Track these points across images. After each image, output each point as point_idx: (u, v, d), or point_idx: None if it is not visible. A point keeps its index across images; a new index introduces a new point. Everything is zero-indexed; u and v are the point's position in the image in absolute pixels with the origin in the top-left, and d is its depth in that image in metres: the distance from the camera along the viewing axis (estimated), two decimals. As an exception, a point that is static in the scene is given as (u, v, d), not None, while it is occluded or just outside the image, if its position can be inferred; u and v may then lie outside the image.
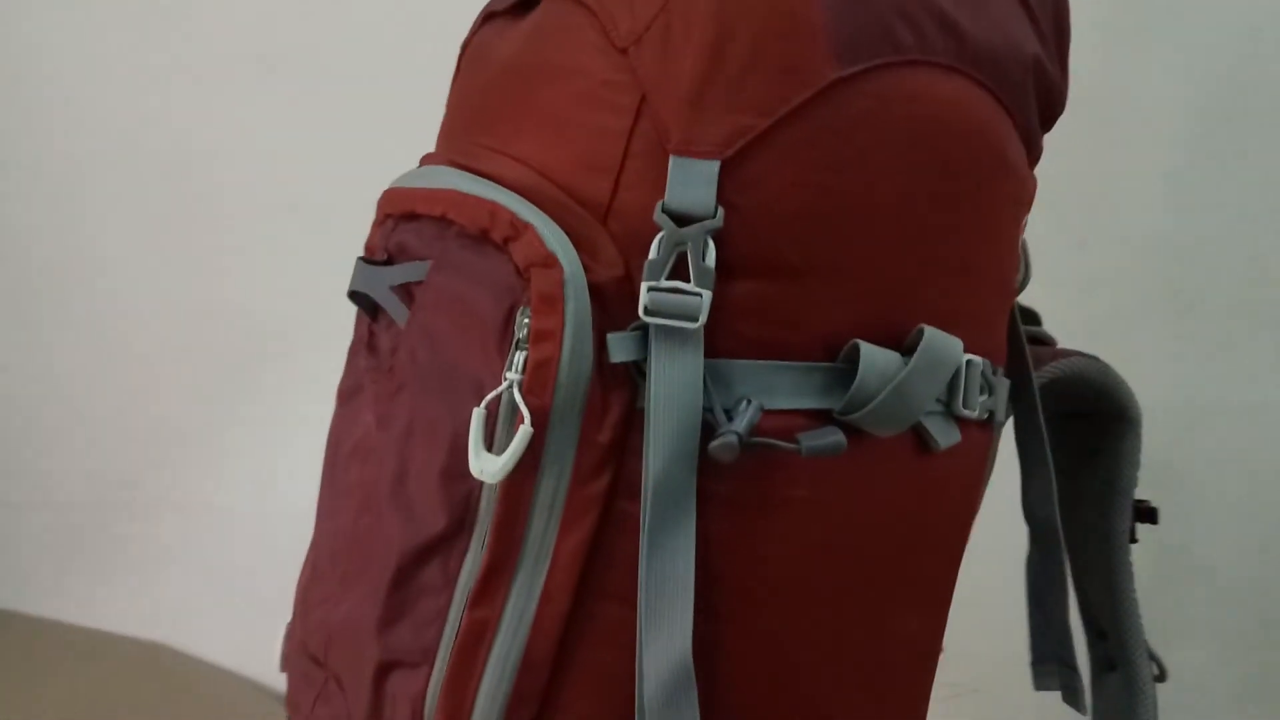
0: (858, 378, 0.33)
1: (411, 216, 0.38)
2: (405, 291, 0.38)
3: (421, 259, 0.37)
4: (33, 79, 0.94)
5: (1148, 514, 0.46)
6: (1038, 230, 0.41)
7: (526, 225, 0.33)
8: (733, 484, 0.34)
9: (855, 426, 0.34)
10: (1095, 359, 0.45)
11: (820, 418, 0.34)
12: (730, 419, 0.32)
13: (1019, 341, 0.42)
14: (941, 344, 0.35)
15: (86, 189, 0.97)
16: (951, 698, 0.89)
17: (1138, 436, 0.46)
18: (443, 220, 0.36)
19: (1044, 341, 0.46)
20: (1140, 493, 0.45)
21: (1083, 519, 0.47)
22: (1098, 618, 0.47)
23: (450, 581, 0.35)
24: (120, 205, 0.96)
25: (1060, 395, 0.46)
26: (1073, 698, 0.45)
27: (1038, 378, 0.43)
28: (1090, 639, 0.49)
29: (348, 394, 0.42)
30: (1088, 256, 0.74)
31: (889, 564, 0.36)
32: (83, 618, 1.01)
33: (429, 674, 0.35)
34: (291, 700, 0.43)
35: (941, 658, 0.40)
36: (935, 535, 0.38)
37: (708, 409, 0.33)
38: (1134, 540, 0.47)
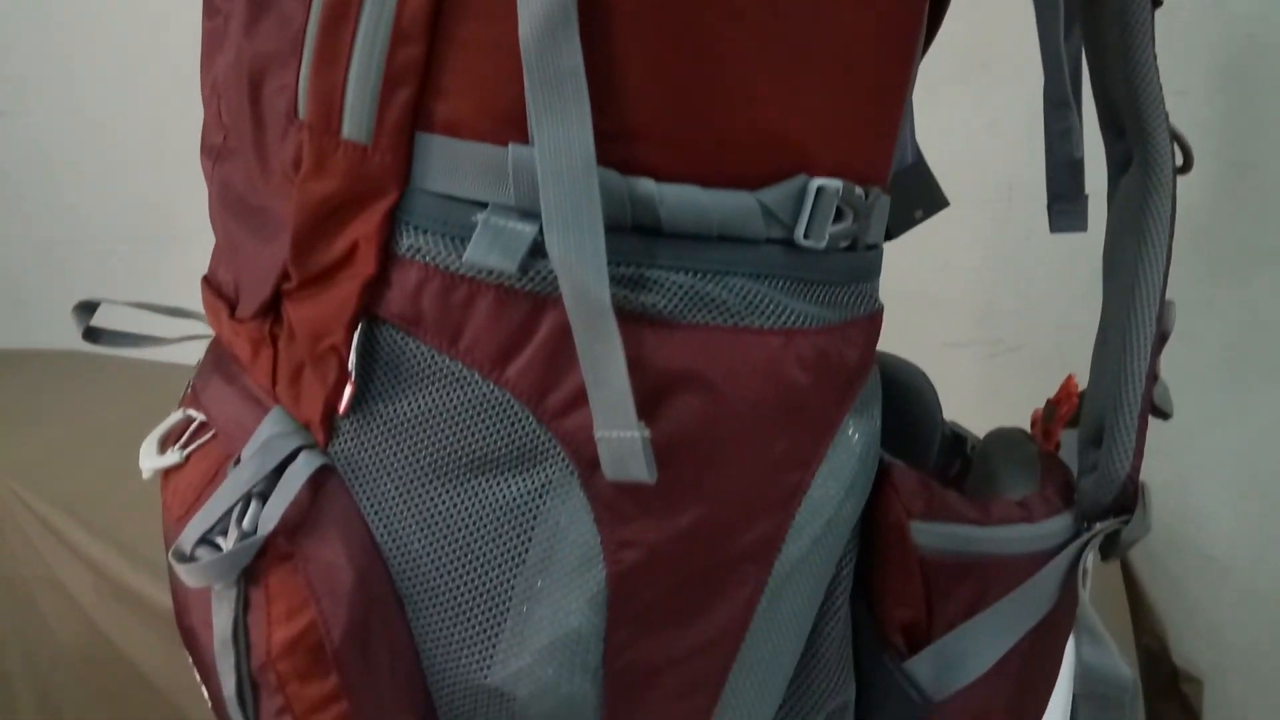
0: None
1: None
2: None
3: None
4: None
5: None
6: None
7: None
8: None
9: None
10: None
11: None
12: None
13: None
14: None
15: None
16: (994, 356, 0.85)
17: None
18: None
19: None
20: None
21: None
22: (1116, 107, 0.41)
23: None
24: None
25: None
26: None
27: None
28: (1110, 144, 0.42)
29: None
30: None
31: None
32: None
33: (299, 64, 0.31)
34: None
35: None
36: None
37: None
38: (1158, 3, 0.40)
